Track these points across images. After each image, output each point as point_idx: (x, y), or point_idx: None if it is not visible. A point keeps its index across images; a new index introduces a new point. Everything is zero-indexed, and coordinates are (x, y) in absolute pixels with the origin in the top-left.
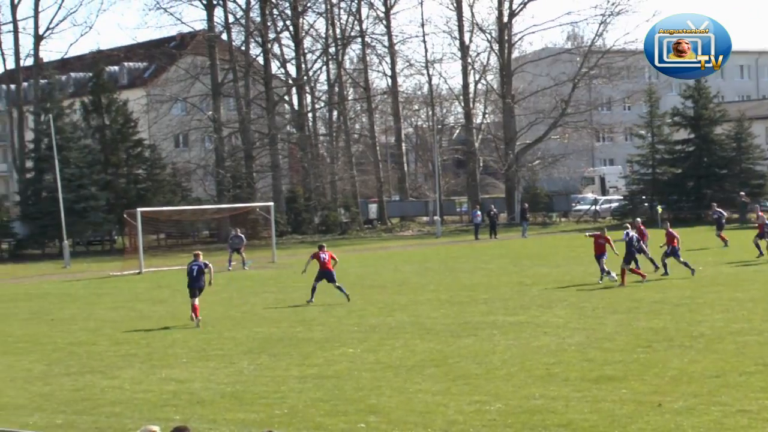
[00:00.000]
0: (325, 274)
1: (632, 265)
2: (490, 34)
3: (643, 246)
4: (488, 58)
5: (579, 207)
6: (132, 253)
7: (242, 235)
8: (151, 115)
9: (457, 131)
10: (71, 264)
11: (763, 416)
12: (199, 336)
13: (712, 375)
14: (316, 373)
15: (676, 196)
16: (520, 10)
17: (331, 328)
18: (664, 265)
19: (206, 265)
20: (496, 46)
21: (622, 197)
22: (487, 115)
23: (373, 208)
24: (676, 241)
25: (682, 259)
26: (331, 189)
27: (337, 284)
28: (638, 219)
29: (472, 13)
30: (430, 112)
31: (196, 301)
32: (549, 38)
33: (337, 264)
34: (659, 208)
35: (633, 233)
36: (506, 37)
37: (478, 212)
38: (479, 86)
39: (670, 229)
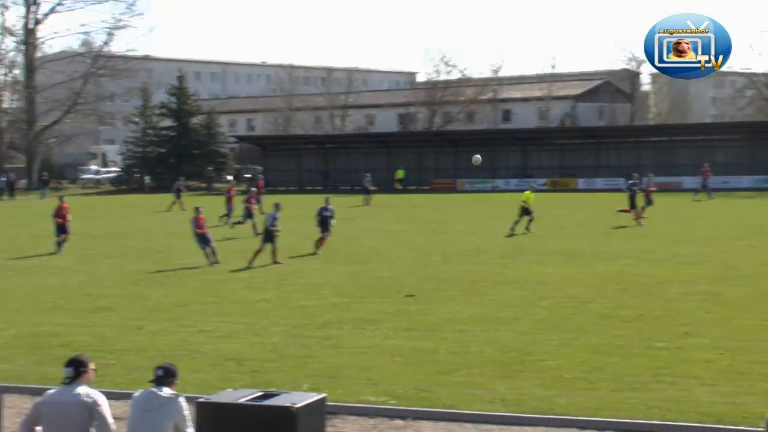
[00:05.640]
0: None
1: None
2: (18, 37)
3: None
4: (17, 56)
5: (85, 176)
6: None
7: None
8: None
9: None
10: None
11: (216, 335)
12: None
13: (181, 305)
14: None
15: (161, 170)
16: (44, 20)
17: None
18: None
19: None
20: (23, 47)
21: (119, 169)
22: (13, 102)
23: None
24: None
25: None
26: None
27: None
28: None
29: (4, 18)
30: None
31: None
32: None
33: None
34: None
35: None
36: (32, 40)
37: (3, 178)
38: (8, 78)
39: None
